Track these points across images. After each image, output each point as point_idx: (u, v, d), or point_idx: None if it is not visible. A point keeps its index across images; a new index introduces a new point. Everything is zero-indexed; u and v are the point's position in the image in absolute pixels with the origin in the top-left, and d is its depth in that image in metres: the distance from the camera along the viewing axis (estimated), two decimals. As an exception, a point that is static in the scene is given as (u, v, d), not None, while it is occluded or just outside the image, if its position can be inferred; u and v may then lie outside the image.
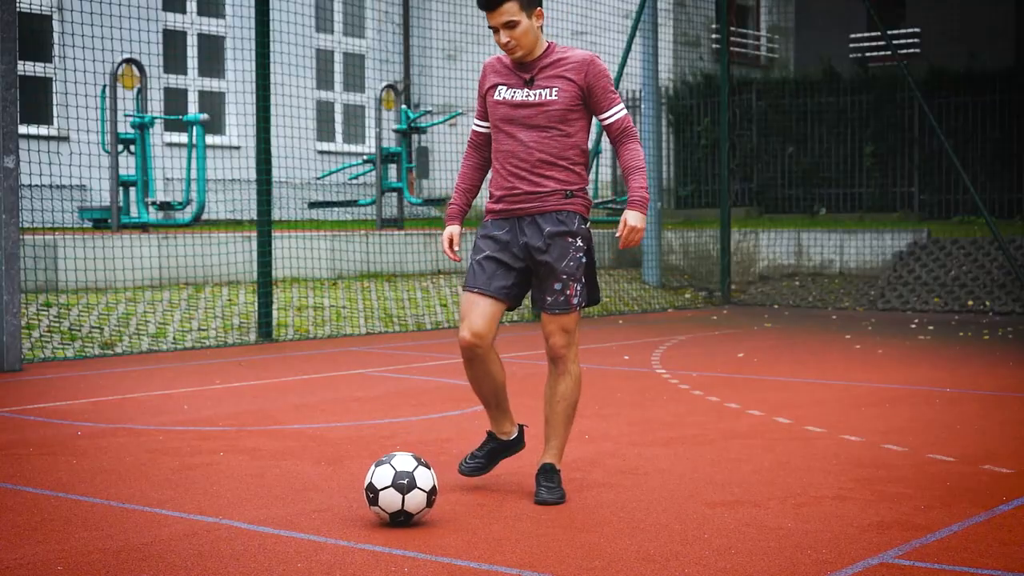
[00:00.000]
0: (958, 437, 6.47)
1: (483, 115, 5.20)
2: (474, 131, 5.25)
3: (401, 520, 4.59)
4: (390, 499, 4.57)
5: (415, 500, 4.58)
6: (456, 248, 5.23)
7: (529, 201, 5.00)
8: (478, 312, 5.01)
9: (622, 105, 5.06)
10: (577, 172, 5.04)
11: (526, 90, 4.99)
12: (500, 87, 5.04)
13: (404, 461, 4.64)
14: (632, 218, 4.92)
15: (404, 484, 4.57)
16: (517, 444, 5.36)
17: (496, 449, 5.31)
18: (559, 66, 4.97)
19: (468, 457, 5.32)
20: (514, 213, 5.03)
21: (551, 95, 4.95)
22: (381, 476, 4.60)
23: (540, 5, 4.96)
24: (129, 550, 4.28)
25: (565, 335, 5.06)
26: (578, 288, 5.03)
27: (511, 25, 4.88)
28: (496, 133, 5.08)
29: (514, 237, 5.04)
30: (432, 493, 4.62)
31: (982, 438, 6.45)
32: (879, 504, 4.97)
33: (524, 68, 5.00)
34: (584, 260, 5.05)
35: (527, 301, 5.25)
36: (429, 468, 4.68)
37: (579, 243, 5.02)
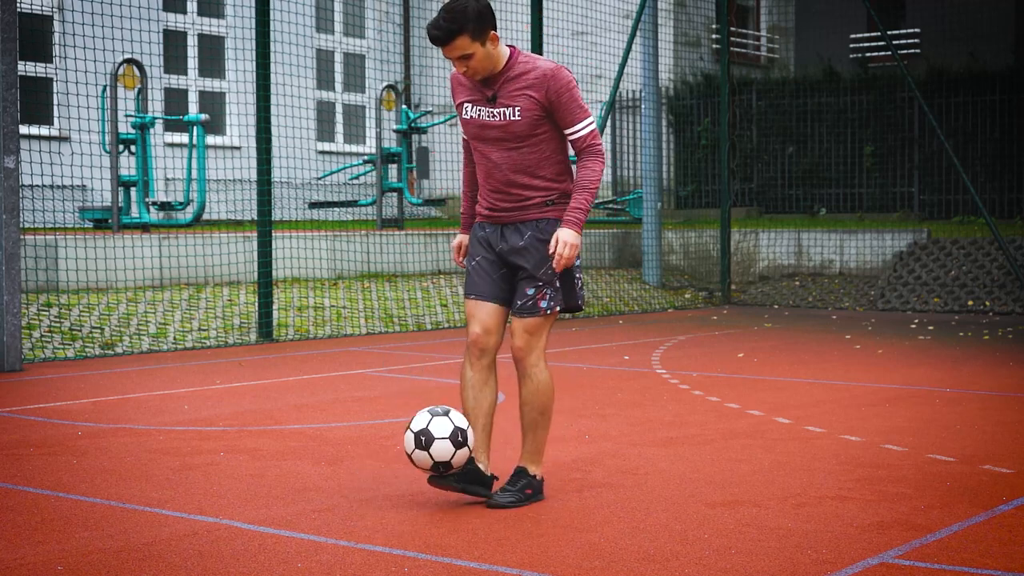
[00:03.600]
0: (958, 437, 6.47)
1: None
2: (463, 138, 5.24)
3: (441, 470, 4.83)
4: (443, 449, 4.80)
5: (462, 457, 4.84)
6: (464, 256, 5.26)
7: (510, 212, 5.00)
8: (485, 311, 5.03)
9: (590, 120, 4.93)
10: (556, 180, 4.98)
11: (489, 108, 4.92)
12: (466, 104, 4.99)
13: (459, 418, 4.89)
14: (563, 234, 4.85)
15: (460, 440, 4.82)
16: (488, 483, 5.01)
17: (472, 473, 4.97)
18: (521, 81, 4.87)
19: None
20: (498, 220, 5.04)
21: (514, 114, 4.87)
22: (440, 426, 4.82)
23: (493, 28, 4.83)
24: (129, 550, 4.29)
25: (526, 337, 4.99)
26: (550, 293, 4.98)
27: (465, 58, 4.81)
28: (472, 148, 5.08)
29: (496, 241, 5.04)
30: (468, 457, 4.90)
31: (982, 438, 6.45)
32: (879, 504, 4.97)
33: (487, 83, 4.92)
34: (557, 275, 4.99)
35: None
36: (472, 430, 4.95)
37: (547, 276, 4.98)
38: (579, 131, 4.89)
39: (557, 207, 4.98)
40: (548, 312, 4.99)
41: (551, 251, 4.86)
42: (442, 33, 4.77)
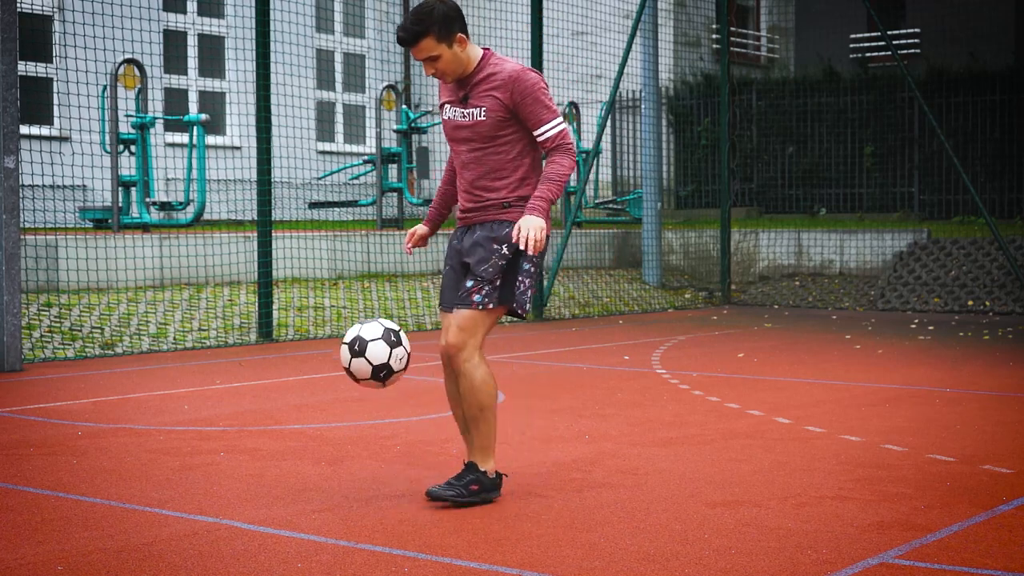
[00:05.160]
0: (958, 437, 6.47)
1: None
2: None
3: (383, 375, 4.82)
4: (378, 351, 4.81)
5: (398, 356, 4.84)
6: (412, 245, 5.30)
7: (472, 213, 5.03)
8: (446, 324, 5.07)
9: (557, 121, 4.91)
10: (518, 185, 4.97)
11: (460, 109, 4.98)
12: (446, 105, 5.06)
13: (389, 322, 4.94)
14: (524, 219, 4.79)
15: (393, 340, 4.84)
16: (496, 484, 5.02)
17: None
18: (489, 82, 4.90)
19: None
20: (465, 222, 5.07)
21: (480, 115, 4.91)
22: (370, 330, 4.86)
23: (461, 31, 4.86)
24: (129, 550, 4.29)
25: (457, 333, 4.92)
26: (487, 289, 4.92)
27: (432, 59, 4.86)
28: (450, 148, 5.16)
29: (460, 246, 5.08)
30: (407, 359, 4.90)
31: (982, 438, 6.45)
32: (879, 504, 4.97)
33: (460, 84, 4.98)
34: (504, 265, 4.94)
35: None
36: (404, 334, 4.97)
37: (504, 250, 4.94)
38: (546, 132, 4.89)
39: (514, 210, 4.96)
40: (481, 307, 4.92)
41: (514, 238, 4.78)
42: (408, 35, 4.84)
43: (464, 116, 4.97)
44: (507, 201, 4.97)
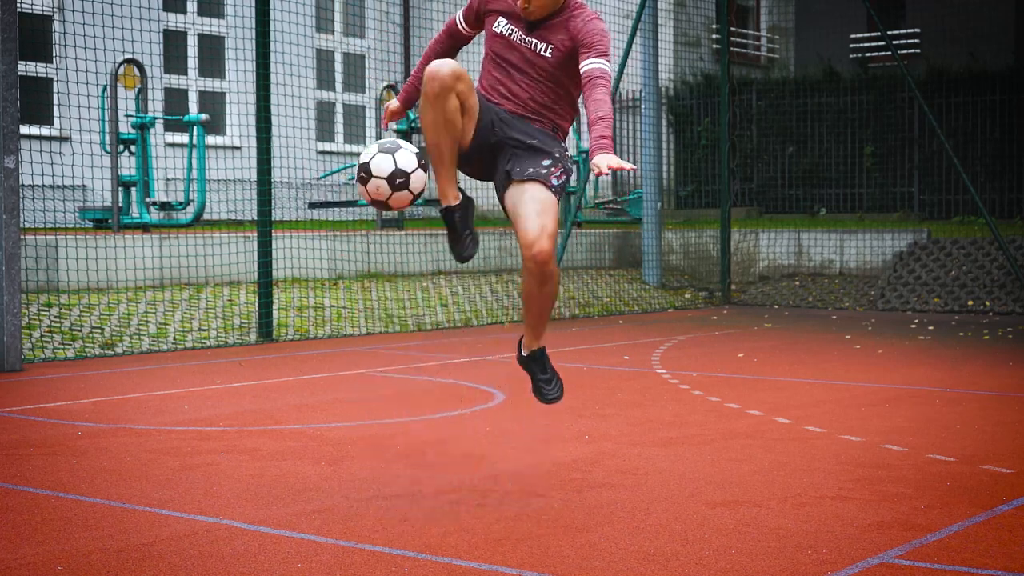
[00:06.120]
0: (958, 437, 6.47)
1: (472, 21, 5.12)
2: (454, 23, 5.16)
3: (400, 183, 4.60)
4: (383, 164, 4.59)
5: (406, 158, 4.61)
6: (388, 120, 5.20)
7: (517, 112, 4.95)
8: (469, 78, 4.82)
9: (606, 62, 4.81)
10: (563, 124, 5.00)
11: (523, 34, 4.89)
12: (501, 19, 4.94)
13: (384, 140, 4.73)
14: (601, 157, 4.57)
15: (390, 146, 4.63)
16: (469, 203, 5.00)
17: (466, 212, 4.95)
18: (563, 25, 4.85)
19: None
20: (504, 108, 4.97)
21: (546, 51, 4.87)
22: (367, 153, 4.66)
23: None
24: (129, 550, 4.29)
25: (549, 240, 4.70)
26: (559, 181, 4.83)
27: None
28: (491, 58, 5.00)
29: (507, 117, 4.93)
30: (422, 156, 4.65)
31: (982, 438, 6.45)
32: (879, 504, 4.97)
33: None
34: (564, 180, 4.89)
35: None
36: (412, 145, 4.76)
37: (567, 165, 4.94)
38: (601, 64, 4.76)
39: (560, 136, 5.01)
40: (555, 193, 4.83)
41: (596, 173, 4.59)
42: None
43: (527, 42, 4.88)
44: (554, 130, 4.98)
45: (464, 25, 5.16)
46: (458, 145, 4.82)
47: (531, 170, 4.82)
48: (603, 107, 4.72)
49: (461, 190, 5.02)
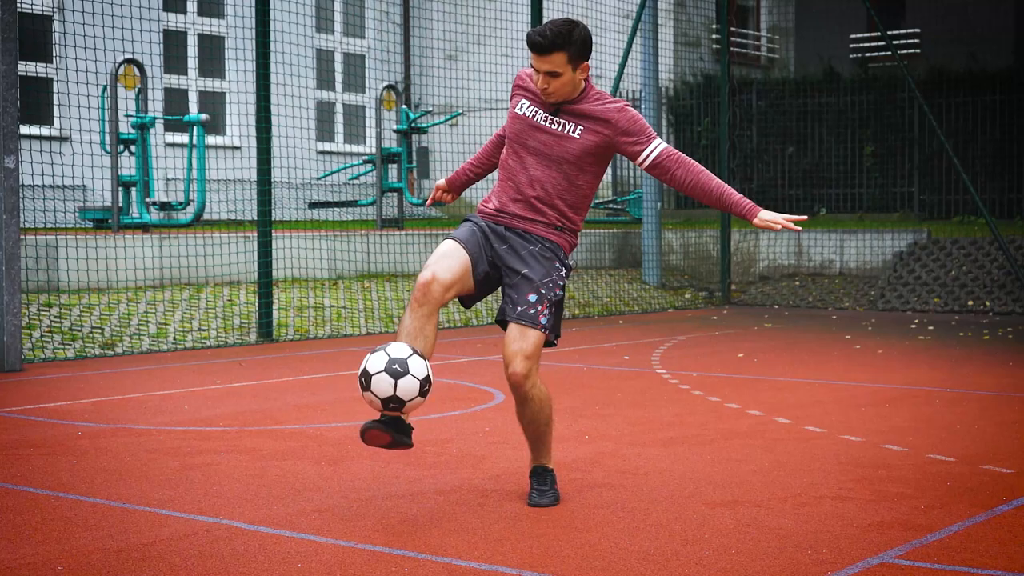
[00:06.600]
0: (958, 437, 6.47)
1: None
2: (503, 130, 5.15)
3: (393, 407, 4.59)
4: (383, 384, 4.57)
5: (407, 386, 4.58)
6: (440, 193, 5.30)
7: (521, 219, 4.91)
8: (453, 261, 4.81)
9: (660, 140, 4.85)
10: (573, 211, 4.92)
11: (548, 115, 4.87)
12: (524, 101, 4.93)
13: (399, 349, 4.63)
14: (766, 214, 4.76)
15: (397, 370, 4.57)
16: (408, 431, 4.82)
17: (399, 421, 4.79)
18: (590, 111, 4.83)
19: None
20: (504, 223, 4.94)
21: (573, 132, 4.83)
22: (375, 361, 4.60)
23: (588, 59, 4.81)
24: (129, 550, 4.29)
25: (526, 364, 4.77)
26: (548, 313, 4.85)
27: (553, 75, 4.75)
28: (508, 146, 4.98)
29: (497, 238, 4.92)
30: (425, 383, 4.61)
31: (982, 438, 6.45)
32: (879, 504, 4.97)
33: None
34: (559, 296, 4.90)
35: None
36: (424, 359, 4.66)
37: (563, 272, 4.91)
38: (655, 148, 4.80)
39: (564, 233, 4.93)
40: (544, 331, 4.84)
41: (780, 226, 4.70)
42: (546, 42, 4.72)
43: (551, 124, 4.86)
44: (559, 225, 4.92)
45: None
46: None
47: (519, 310, 4.84)
48: (708, 176, 4.80)
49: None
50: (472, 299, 5.01)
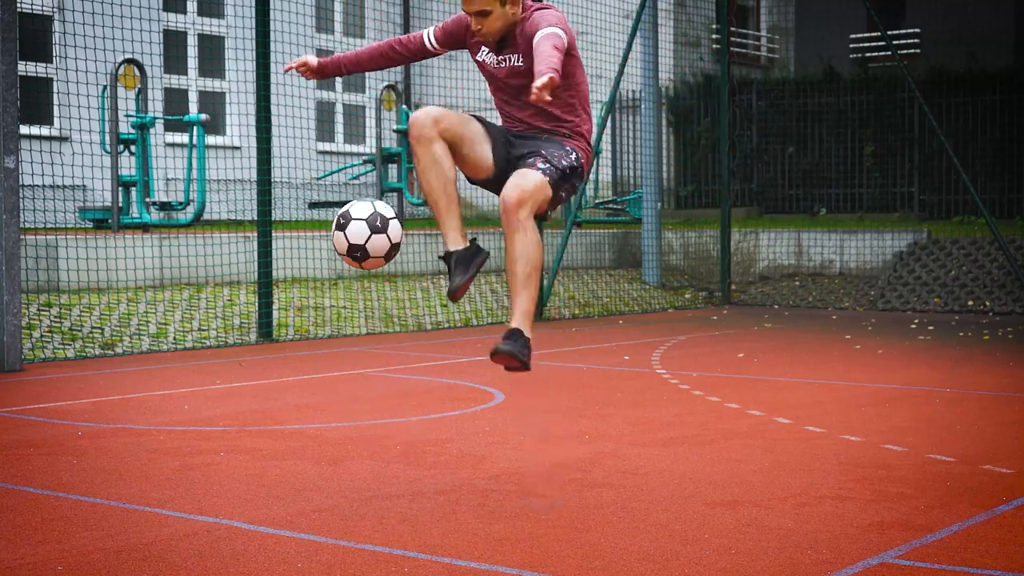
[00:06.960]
0: (958, 437, 6.47)
1: (442, 39, 5.16)
2: (418, 36, 5.18)
3: (358, 256, 4.69)
4: (358, 231, 4.67)
5: (378, 243, 4.69)
6: (294, 66, 5.21)
7: (531, 128, 5.04)
8: (445, 111, 4.89)
9: (555, 30, 4.75)
10: (571, 119, 4.99)
11: (495, 57, 4.98)
12: (483, 48, 5.02)
13: (386, 207, 4.76)
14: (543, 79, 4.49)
15: (378, 226, 4.69)
16: (481, 253, 4.96)
17: (466, 256, 4.90)
18: (529, 31, 4.86)
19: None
20: (521, 129, 5.07)
21: (518, 62, 4.91)
22: (360, 209, 4.72)
23: None
24: (129, 550, 4.29)
25: (521, 192, 4.72)
26: (551, 166, 4.85)
27: (483, 14, 4.84)
28: (489, 87, 5.09)
29: (512, 135, 5.04)
30: (394, 250, 4.73)
31: (982, 438, 6.45)
32: (879, 504, 4.97)
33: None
34: (566, 165, 4.89)
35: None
36: (402, 227, 4.79)
37: (571, 155, 4.95)
38: (547, 30, 4.75)
39: (572, 140, 5.01)
40: (545, 175, 4.83)
41: (535, 95, 4.48)
42: None
43: (501, 63, 4.95)
44: (564, 132, 5.00)
45: (434, 43, 5.18)
46: (458, 184, 4.90)
47: (522, 164, 4.91)
48: (550, 42, 4.69)
49: (473, 239, 5.03)
50: (477, 173, 5.00)
